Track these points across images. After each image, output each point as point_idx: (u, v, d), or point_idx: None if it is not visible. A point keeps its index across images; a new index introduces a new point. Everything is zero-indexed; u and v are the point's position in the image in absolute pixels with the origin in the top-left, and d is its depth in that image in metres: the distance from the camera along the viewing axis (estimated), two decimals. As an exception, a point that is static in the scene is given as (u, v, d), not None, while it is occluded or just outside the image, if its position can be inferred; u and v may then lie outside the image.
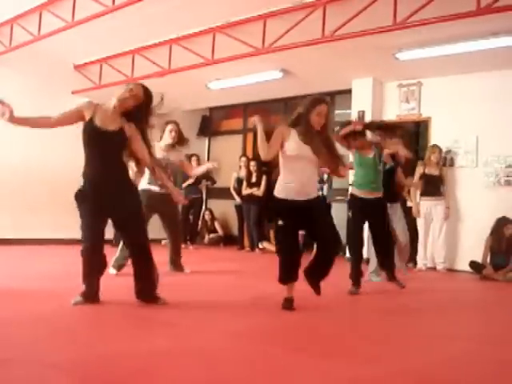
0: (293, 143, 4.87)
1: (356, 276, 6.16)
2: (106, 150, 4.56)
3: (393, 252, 6.61)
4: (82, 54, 10.40)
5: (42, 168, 10.62)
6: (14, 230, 10.23)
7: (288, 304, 4.87)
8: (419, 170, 9.23)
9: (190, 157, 12.06)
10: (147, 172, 5.57)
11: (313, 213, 4.89)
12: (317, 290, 5.07)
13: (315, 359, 3.31)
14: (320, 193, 10.54)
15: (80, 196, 4.60)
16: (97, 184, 4.57)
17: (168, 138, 7.02)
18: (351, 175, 7.52)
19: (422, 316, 5.15)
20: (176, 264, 7.18)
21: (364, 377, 3.02)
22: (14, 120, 4.40)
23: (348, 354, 3.50)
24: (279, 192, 4.95)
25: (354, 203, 6.34)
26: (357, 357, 3.44)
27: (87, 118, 4.57)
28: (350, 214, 6.33)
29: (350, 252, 6.59)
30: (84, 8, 7.59)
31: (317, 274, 5.01)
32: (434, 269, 9.05)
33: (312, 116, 4.87)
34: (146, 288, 4.86)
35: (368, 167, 6.28)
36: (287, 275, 4.93)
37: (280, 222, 4.92)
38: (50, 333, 3.68)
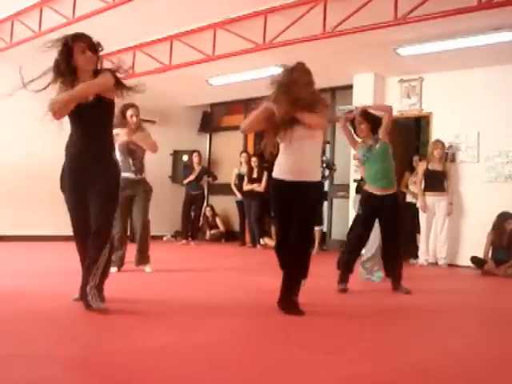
0: None
1: (343, 271, 5.99)
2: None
3: (399, 259, 6.19)
4: (83, 50, 10.38)
5: (42, 165, 10.61)
6: (14, 226, 10.22)
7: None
8: (422, 166, 9.22)
9: (191, 153, 12.08)
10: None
11: (297, 202, 4.59)
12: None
13: (317, 355, 3.31)
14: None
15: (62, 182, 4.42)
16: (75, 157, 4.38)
17: (130, 123, 6.83)
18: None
19: (422, 312, 5.15)
20: (144, 255, 6.82)
21: (367, 372, 3.02)
22: None
23: (349, 350, 3.50)
24: (275, 172, 4.75)
25: (364, 199, 6.17)
26: (359, 353, 3.45)
27: None
28: (359, 209, 6.19)
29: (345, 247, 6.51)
30: (85, 4, 7.59)
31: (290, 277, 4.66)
32: (435, 264, 9.04)
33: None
34: (84, 278, 4.30)
35: (373, 160, 6.09)
36: (280, 265, 4.77)
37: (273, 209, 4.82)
38: (51, 329, 3.69)
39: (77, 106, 4.22)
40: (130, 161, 6.72)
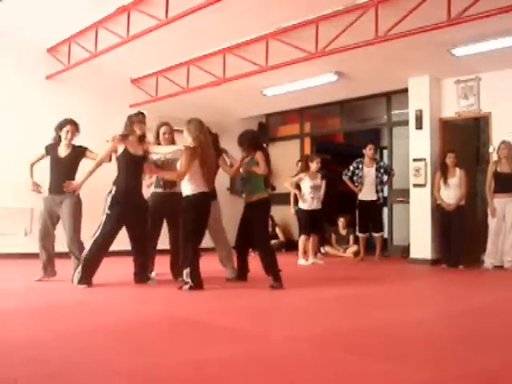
0: None
1: None
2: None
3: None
4: (138, 67, 10.62)
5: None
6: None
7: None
8: (491, 168, 9.01)
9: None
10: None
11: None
12: None
13: (380, 363, 3.26)
14: (380, 194, 10.50)
15: None
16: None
17: (162, 140, 7.08)
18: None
19: (483, 317, 5.02)
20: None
21: (429, 380, 2.97)
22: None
23: (413, 358, 3.44)
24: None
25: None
26: (421, 360, 3.38)
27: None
28: None
29: None
30: (138, 23, 7.75)
31: None
32: (501, 267, 8.81)
33: None
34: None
35: None
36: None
37: None
38: (112, 343, 3.75)
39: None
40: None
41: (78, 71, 9.74)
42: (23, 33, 9.36)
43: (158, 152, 6.76)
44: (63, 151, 6.84)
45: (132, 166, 6.47)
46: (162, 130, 7.12)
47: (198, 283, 6.07)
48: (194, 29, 8.08)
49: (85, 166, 6.80)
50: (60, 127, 6.87)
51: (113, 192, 6.35)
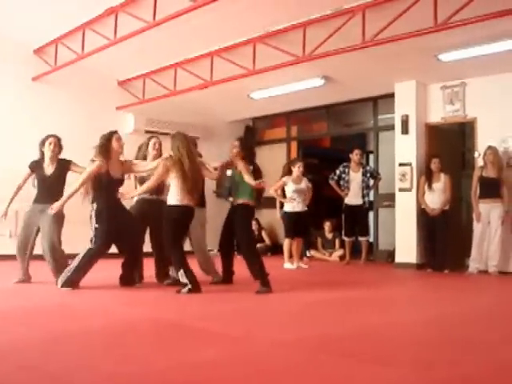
0: None
1: None
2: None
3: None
4: (125, 69, 10.61)
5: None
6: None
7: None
8: (476, 173, 9.05)
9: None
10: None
11: None
12: None
13: (368, 366, 3.27)
14: (366, 198, 10.54)
15: None
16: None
17: (152, 150, 7.09)
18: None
19: (469, 322, 5.05)
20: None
21: (417, 382, 2.98)
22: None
23: (401, 360, 3.46)
24: None
25: None
26: (409, 362, 3.40)
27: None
28: None
29: None
30: (125, 25, 7.74)
31: None
32: (485, 272, 8.85)
33: None
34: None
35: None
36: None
37: None
38: (98, 347, 3.74)
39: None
40: None
41: (65, 73, 9.70)
42: (10, 34, 9.33)
43: (142, 171, 6.75)
44: (49, 169, 6.83)
45: (110, 188, 6.48)
46: (153, 140, 7.15)
47: (194, 283, 6.11)
48: (181, 31, 8.09)
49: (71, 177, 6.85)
50: (43, 142, 6.87)
51: (94, 208, 6.37)
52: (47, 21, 8.61)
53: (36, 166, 6.85)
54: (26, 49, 9.86)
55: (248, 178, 6.56)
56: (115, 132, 6.62)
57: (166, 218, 6.28)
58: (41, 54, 9.97)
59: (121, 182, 6.63)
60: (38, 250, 6.76)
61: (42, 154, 6.87)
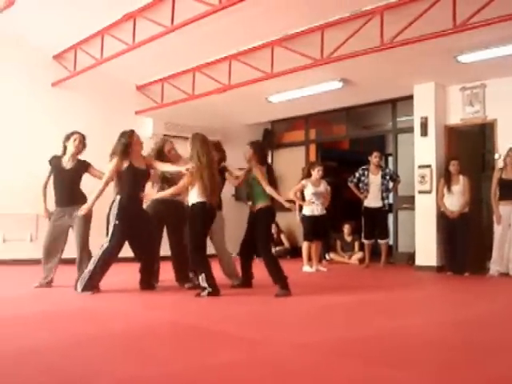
0: None
1: None
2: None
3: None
4: (144, 74, 10.67)
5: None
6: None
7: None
8: (496, 175, 8.97)
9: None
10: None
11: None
12: None
13: (385, 369, 3.26)
14: (385, 201, 10.50)
15: None
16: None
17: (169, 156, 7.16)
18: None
19: (488, 325, 4.99)
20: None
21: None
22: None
23: (418, 364, 3.44)
24: None
25: None
26: (426, 366, 3.38)
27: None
28: None
29: None
30: (143, 30, 7.79)
31: None
32: (506, 274, 8.77)
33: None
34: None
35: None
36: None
37: None
38: (118, 350, 3.77)
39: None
40: None
41: (84, 78, 9.79)
42: (29, 40, 9.43)
43: (162, 169, 6.79)
44: (68, 163, 6.87)
45: (136, 179, 6.54)
46: (167, 147, 7.18)
47: (214, 288, 6.14)
48: (199, 36, 8.12)
49: (87, 181, 6.92)
50: (67, 137, 6.91)
51: (117, 200, 6.38)
52: (66, 27, 8.69)
53: (55, 160, 6.89)
54: (45, 54, 9.96)
55: (265, 186, 6.66)
56: (131, 130, 6.69)
57: (190, 216, 6.33)
58: (60, 59, 10.06)
59: (146, 173, 6.65)
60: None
61: (65, 149, 6.91)
